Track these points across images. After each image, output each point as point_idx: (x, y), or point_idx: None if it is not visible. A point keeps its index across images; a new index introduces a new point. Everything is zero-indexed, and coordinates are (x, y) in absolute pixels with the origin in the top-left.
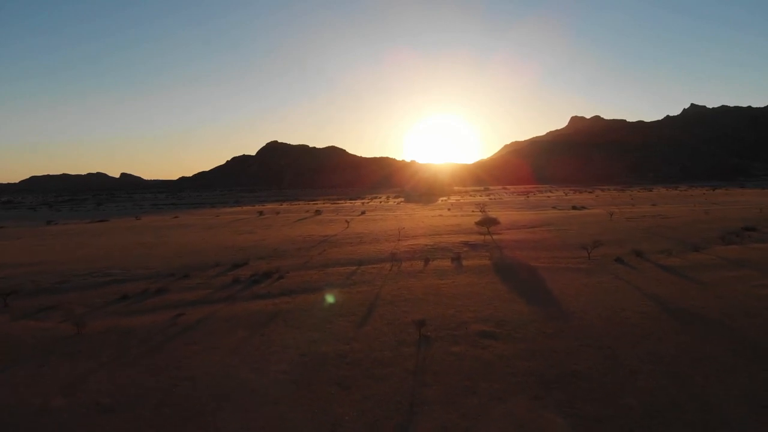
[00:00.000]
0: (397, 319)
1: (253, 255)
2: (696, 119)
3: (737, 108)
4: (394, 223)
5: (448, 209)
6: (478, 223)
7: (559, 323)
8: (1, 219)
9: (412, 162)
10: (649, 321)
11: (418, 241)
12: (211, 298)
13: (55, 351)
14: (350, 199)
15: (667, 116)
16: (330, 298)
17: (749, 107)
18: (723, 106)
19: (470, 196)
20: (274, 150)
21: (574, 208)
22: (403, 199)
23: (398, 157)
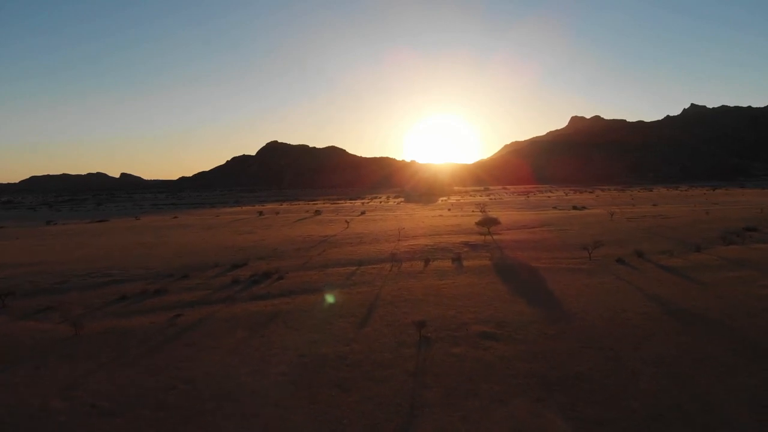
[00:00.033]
0: (397, 320)
1: (253, 255)
2: (696, 119)
3: (737, 108)
4: (394, 224)
5: (449, 209)
6: (478, 224)
7: (561, 324)
8: (1, 219)
9: (412, 162)
10: (651, 322)
11: (418, 242)
12: (210, 298)
13: (54, 352)
14: (350, 199)
15: (667, 116)
16: (330, 299)
17: (749, 107)
18: (723, 106)
19: (470, 196)
20: (274, 150)
21: (574, 208)
22: (403, 199)
23: (398, 157)
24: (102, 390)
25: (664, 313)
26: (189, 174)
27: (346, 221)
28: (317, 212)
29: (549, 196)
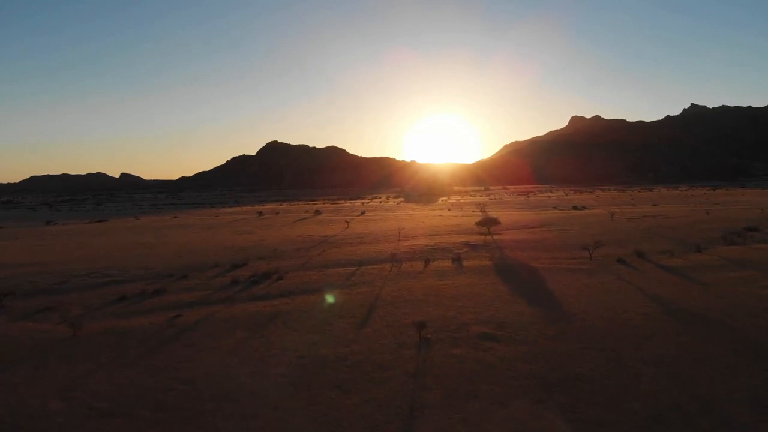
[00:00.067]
0: (397, 321)
1: (253, 255)
2: (696, 119)
3: (737, 108)
4: (394, 224)
5: (449, 209)
6: (478, 224)
7: (561, 325)
8: (1, 219)
9: (412, 162)
10: (652, 322)
11: (418, 242)
12: (209, 299)
13: (53, 352)
14: (350, 199)
15: (667, 116)
16: (329, 299)
17: (749, 107)
18: (723, 106)
19: (470, 196)
20: (274, 150)
21: (574, 208)
22: (403, 199)
23: (398, 157)
24: (101, 391)
25: (664, 314)
26: (189, 174)
27: (346, 221)
28: (317, 212)
29: (549, 196)
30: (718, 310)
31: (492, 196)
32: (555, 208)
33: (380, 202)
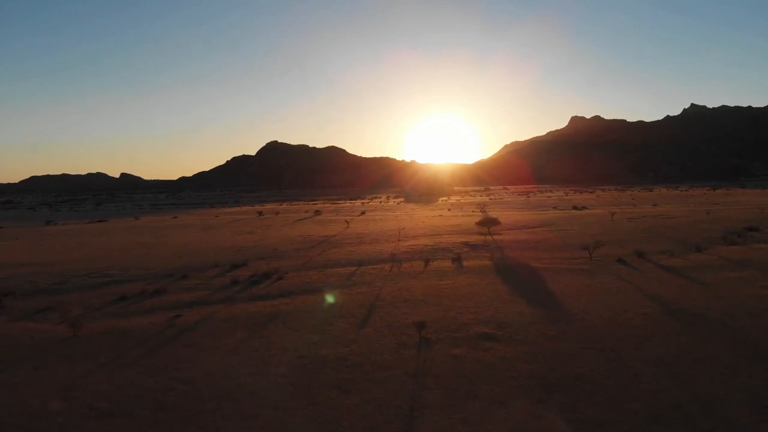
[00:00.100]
0: (397, 321)
1: (253, 255)
2: (696, 119)
3: (737, 108)
4: (394, 224)
5: (449, 209)
6: (478, 224)
7: (561, 325)
8: (1, 219)
9: (412, 162)
10: (652, 322)
11: (418, 242)
12: (209, 299)
13: (53, 352)
14: (350, 200)
15: (667, 116)
16: (330, 299)
17: (749, 107)
18: (723, 106)
19: (470, 196)
20: (274, 150)
21: (574, 208)
22: (403, 199)
23: (398, 157)
24: (101, 391)
25: (664, 314)
26: (189, 174)
27: (346, 221)
28: (317, 212)
29: (549, 196)
30: (718, 310)
31: (492, 196)
32: (555, 208)
33: (380, 202)
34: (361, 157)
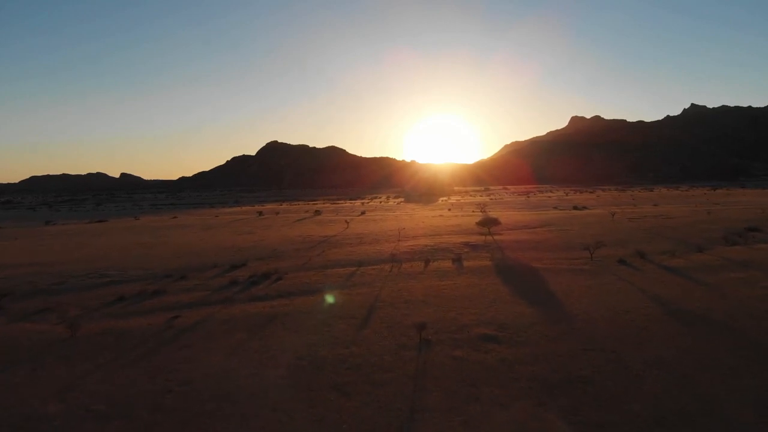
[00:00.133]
0: (398, 322)
1: (252, 256)
2: (696, 119)
3: (737, 108)
4: (394, 224)
5: (449, 209)
6: (479, 224)
7: (562, 326)
8: (0, 219)
9: (412, 162)
10: (654, 323)
11: (418, 242)
12: (208, 300)
13: (51, 354)
14: (350, 200)
15: (667, 116)
16: (330, 299)
17: (749, 107)
18: (723, 106)
19: (470, 196)
20: (274, 150)
21: (575, 208)
22: (403, 199)
23: (398, 157)
24: (99, 392)
25: (666, 315)
26: (189, 174)
27: (345, 221)
28: (317, 212)
29: (549, 196)
30: (721, 311)
31: (492, 196)
32: (555, 208)
33: (380, 202)
34: (361, 157)
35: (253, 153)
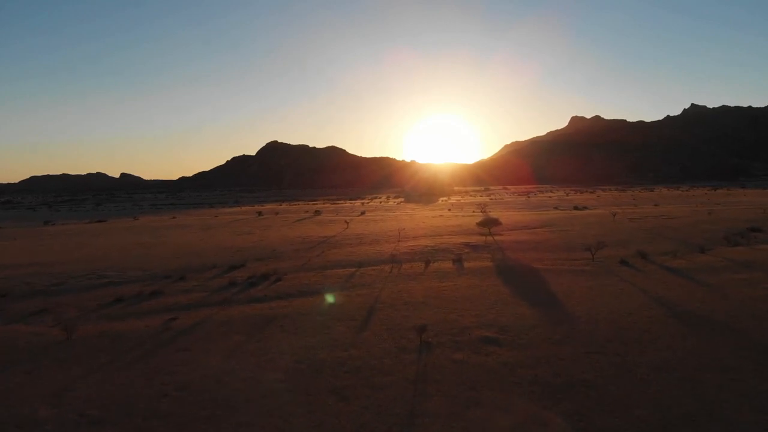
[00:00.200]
0: (398, 324)
1: (251, 256)
2: (696, 119)
3: (737, 108)
4: (394, 224)
5: (449, 209)
6: (479, 224)
7: (564, 328)
8: (0, 219)
9: (412, 162)
10: (657, 325)
11: (418, 242)
12: (206, 301)
13: (47, 356)
14: (350, 200)
15: (667, 116)
16: (330, 298)
17: (749, 107)
18: (723, 106)
19: (471, 196)
20: (274, 150)
21: (575, 208)
22: (403, 200)
23: (398, 157)
24: (93, 397)
25: (669, 316)
26: (189, 174)
27: (345, 222)
28: (317, 212)
29: (550, 197)
30: (724, 313)
31: (492, 197)
32: (556, 208)
33: (380, 203)
34: (361, 157)
35: (253, 153)
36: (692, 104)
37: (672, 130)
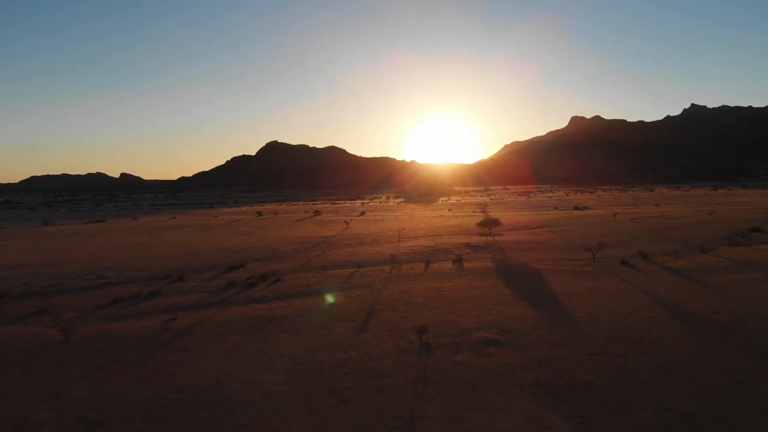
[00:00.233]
0: (398, 325)
1: (250, 257)
2: (696, 119)
3: (737, 108)
4: (394, 224)
5: (449, 210)
6: (479, 224)
7: (566, 329)
8: None
9: (412, 162)
10: (659, 326)
11: (418, 243)
12: (205, 302)
13: (44, 357)
14: (350, 200)
15: (667, 116)
16: (329, 299)
17: (749, 107)
18: (723, 106)
19: (471, 196)
20: (274, 150)
21: (576, 208)
22: (403, 200)
23: (398, 157)
24: (91, 399)
25: (671, 317)
26: (189, 174)
27: (345, 222)
28: (317, 212)
29: (550, 197)
30: (726, 314)
31: (492, 197)
32: (556, 208)
33: (380, 203)
34: (361, 157)
35: (253, 153)
36: (692, 104)
37: (672, 130)
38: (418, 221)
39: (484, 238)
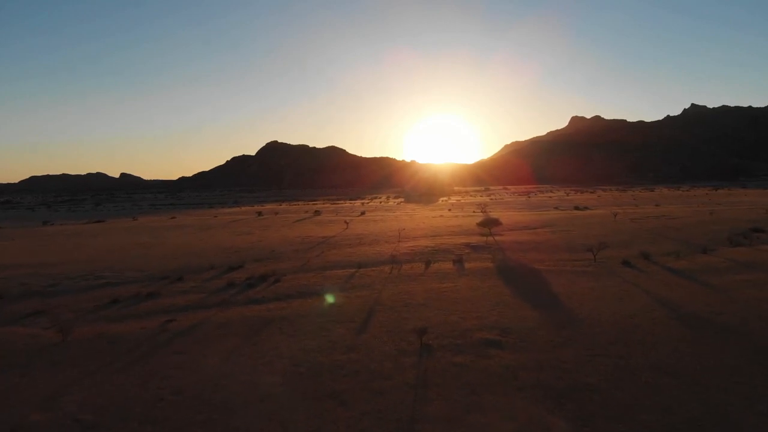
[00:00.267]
0: (398, 327)
1: (250, 257)
2: (696, 119)
3: (737, 108)
4: (394, 224)
5: (449, 210)
6: (479, 224)
7: (567, 331)
8: None
9: (412, 162)
10: (661, 327)
11: (418, 243)
12: (204, 302)
13: (41, 359)
14: (350, 200)
15: (667, 116)
16: (329, 300)
17: (749, 107)
18: (723, 106)
19: (471, 196)
20: (274, 150)
21: (576, 208)
22: (403, 200)
23: (398, 157)
24: (87, 401)
25: (673, 318)
26: (189, 174)
27: (345, 222)
28: (317, 212)
29: (550, 197)
30: (729, 315)
31: (492, 197)
32: (556, 208)
33: (380, 203)
34: (361, 157)
35: (253, 153)
36: (692, 104)
37: (672, 130)
38: (418, 221)
39: (484, 238)
